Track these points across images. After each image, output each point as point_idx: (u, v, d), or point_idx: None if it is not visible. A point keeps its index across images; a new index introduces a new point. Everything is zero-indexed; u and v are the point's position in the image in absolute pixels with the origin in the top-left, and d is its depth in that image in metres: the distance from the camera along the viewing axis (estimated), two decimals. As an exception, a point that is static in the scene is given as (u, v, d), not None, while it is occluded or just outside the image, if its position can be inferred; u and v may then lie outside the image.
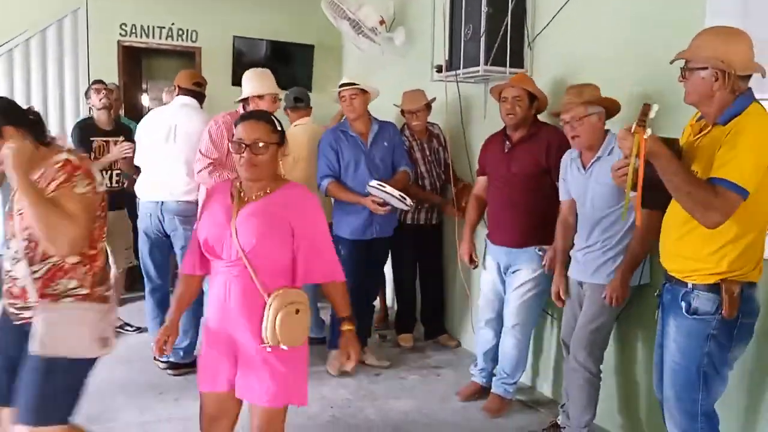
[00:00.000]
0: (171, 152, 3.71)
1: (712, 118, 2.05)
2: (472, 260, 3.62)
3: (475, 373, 3.59)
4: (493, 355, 3.48)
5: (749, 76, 2.03)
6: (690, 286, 2.10)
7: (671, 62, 2.14)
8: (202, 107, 3.94)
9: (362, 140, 3.82)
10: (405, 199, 3.56)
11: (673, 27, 2.74)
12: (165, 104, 4.38)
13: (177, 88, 3.91)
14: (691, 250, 2.09)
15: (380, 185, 3.54)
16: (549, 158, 3.18)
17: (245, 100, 3.64)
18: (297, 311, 1.99)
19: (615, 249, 2.79)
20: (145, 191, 3.84)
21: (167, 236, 3.78)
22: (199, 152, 3.55)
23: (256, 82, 3.64)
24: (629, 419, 3.09)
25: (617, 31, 3.08)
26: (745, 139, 1.91)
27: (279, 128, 2.07)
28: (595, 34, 3.22)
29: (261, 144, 1.99)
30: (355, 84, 3.76)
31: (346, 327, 2.17)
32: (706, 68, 2.02)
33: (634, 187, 2.01)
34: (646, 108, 2.00)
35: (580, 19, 3.31)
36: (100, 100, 4.33)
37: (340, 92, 3.79)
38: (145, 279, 3.93)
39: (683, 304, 2.11)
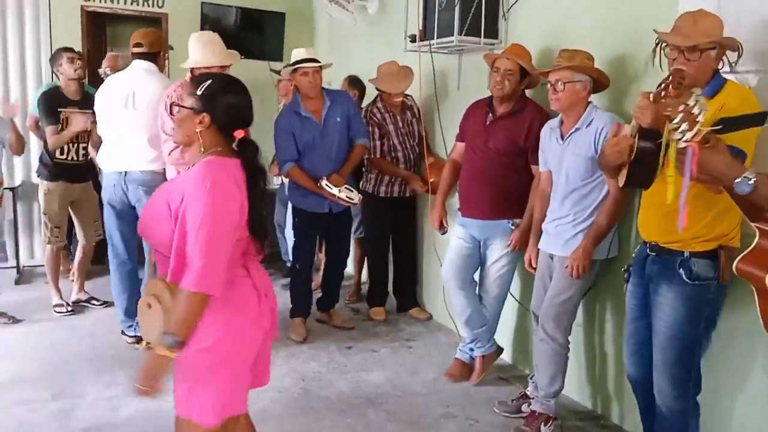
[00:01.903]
0: (130, 120, 3.57)
1: None
2: (442, 226, 3.60)
3: (464, 350, 3.53)
4: (471, 324, 3.42)
5: None
6: (687, 254, 2.15)
7: (688, 47, 2.07)
8: (162, 69, 3.74)
9: (316, 119, 3.78)
10: (351, 199, 3.78)
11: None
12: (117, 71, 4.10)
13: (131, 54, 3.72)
14: (690, 220, 2.08)
15: (327, 186, 3.72)
16: (528, 138, 3.15)
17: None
18: (148, 305, 1.77)
19: (586, 222, 2.79)
20: (107, 162, 3.71)
21: (133, 207, 3.68)
22: (163, 132, 3.41)
23: (200, 53, 3.42)
24: (597, 389, 3.14)
25: (592, 3, 3.04)
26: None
27: (202, 91, 1.79)
28: (570, 4, 3.18)
29: (177, 108, 1.85)
30: (315, 60, 3.71)
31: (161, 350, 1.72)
32: (714, 48, 2.08)
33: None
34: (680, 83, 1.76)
35: (555, -10, 3.28)
36: (75, 70, 4.16)
37: (300, 68, 3.69)
38: (111, 253, 3.83)
39: (682, 271, 2.15)
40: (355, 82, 4.75)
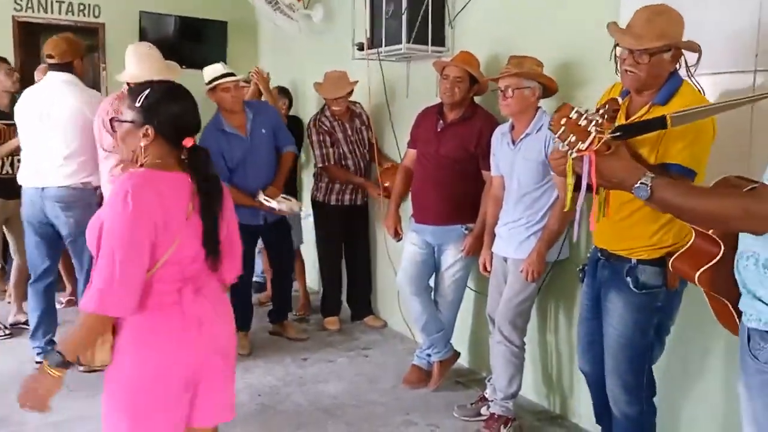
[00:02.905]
0: (47, 134, 3.41)
1: (648, 99, 2.05)
2: (396, 233, 3.61)
3: (422, 356, 3.51)
4: (428, 330, 3.41)
5: None
6: (634, 261, 2.13)
7: (638, 50, 1.97)
8: (81, 76, 3.56)
9: (241, 134, 3.73)
10: (293, 209, 3.80)
11: (593, 4, 2.79)
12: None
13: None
14: (637, 229, 2.11)
15: (267, 200, 3.68)
16: (479, 145, 3.18)
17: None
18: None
19: (538, 225, 2.84)
20: (25, 177, 3.53)
21: (51, 224, 3.50)
22: (102, 149, 3.29)
23: (135, 67, 3.32)
24: (553, 389, 3.19)
25: (536, 10, 3.12)
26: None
27: (141, 102, 1.69)
28: (515, 12, 3.25)
29: (117, 123, 1.76)
30: (232, 74, 3.68)
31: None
32: (669, 50, 1.98)
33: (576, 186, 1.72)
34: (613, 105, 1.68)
35: (500, -2, 3.34)
36: (13, 83, 3.97)
37: (221, 84, 3.63)
38: (30, 270, 3.65)
39: (629, 279, 2.13)
40: (284, 91, 4.80)
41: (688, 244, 1.74)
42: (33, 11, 5.28)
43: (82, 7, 5.44)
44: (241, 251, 1.94)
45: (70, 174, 3.41)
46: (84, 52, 3.57)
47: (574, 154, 1.54)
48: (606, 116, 1.54)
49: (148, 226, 1.61)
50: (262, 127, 3.78)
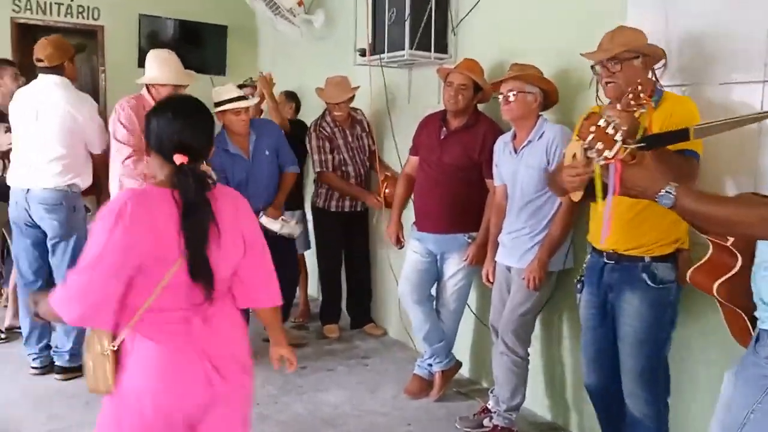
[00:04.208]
0: (34, 134, 3.39)
1: None
2: (398, 241, 3.56)
3: (423, 366, 3.46)
4: (430, 339, 3.37)
5: None
6: (647, 259, 2.21)
7: (601, 61, 2.24)
8: (72, 76, 3.55)
9: (244, 156, 3.73)
10: (293, 234, 3.85)
11: (595, 14, 2.77)
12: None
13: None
14: (646, 226, 2.19)
15: (269, 222, 3.70)
16: (482, 153, 3.16)
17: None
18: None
19: (542, 234, 2.81)
20: (13, 178, 3.50)
21: (37, 226, 3.46)
22: (115, 140, 3.33)
23: (156, 70, 3.41)
24: (557, 401, 3.15)
25: (540, 18, 3.09)
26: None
27: (147, 119, 1.71)
28: (518, 19, 3.23)
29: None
30: (245, 97, 3.69)
31: None
32: (638, 57, 2.20)
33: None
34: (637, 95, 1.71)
35: (504, 5, 3.31)
36: (19, 87, 3.93)
37: (233, 108, 3.61)
38: (18, 274, 3.62)
39: (645, 275, 2.21)
40: (290, 95, 4.79)
41: (707, 257, 1.84)
42: (32, 13, 5.24)
43: (81, 10, 5.40)
44: (265, 274, 1.83)
45: (55, 175, 3.38)
46: (73, 54, 3.53)
47: (602, 162, 1.56)
48: (642, 94, 1.56)
49: (133, 246, 1.53)
50: (265, 147, 3.77)
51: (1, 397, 3.28)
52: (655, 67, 2.32)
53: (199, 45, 5.80)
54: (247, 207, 1.82)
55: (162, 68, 3.41)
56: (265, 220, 3.69)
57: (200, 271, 1.61)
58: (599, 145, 1.53)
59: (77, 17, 5.40)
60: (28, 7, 5.22)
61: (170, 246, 1.57)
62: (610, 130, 1.53)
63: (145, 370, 1.61)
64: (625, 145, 1.53)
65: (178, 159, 1.62)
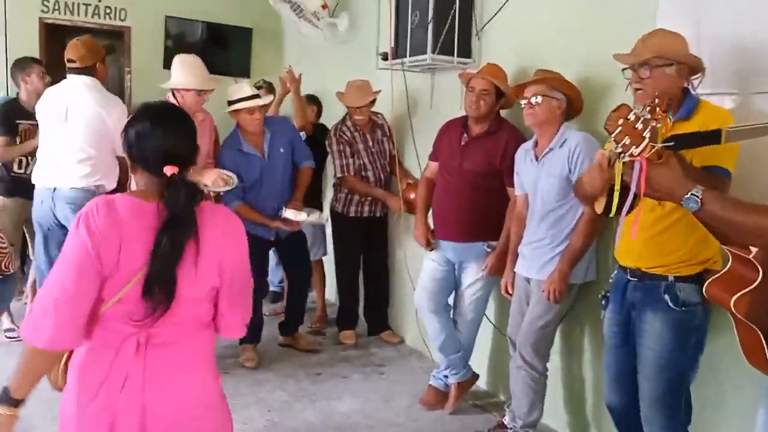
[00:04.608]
0: (63, 134, 3.40)
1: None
2: (429, 243, 3.38)
3: (439, 377, 3.39)
4: (446, 350, 3.30)
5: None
6: (671, 279, 2.09)
7: (633, 65, 2.11)
8: (103, 78, 3.56)
9: (259, 155, 3.70)
10: (320, 218, 3.84)
11: (623, 18, 2.68)
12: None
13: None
14: (673, 244, 2.08)
15: (294, 213, 3.67)
16: (504, 160, 3.07)
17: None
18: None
19: (563, 245, 2.72)
20: (39, 176, 3.51)
21: (62, 226, 3.45)
22: None
23: (181, 75, 3.42)
24: (576, 417, 3.05)
25: (566, 22, 3.01)
26: None
27: (125, 130, 1.58)
28: (544, 25, 3.14)
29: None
30: (258, 96, 3.67)
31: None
32: (671, 64, 2.04)
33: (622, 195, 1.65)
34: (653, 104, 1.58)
35: (529, 10, 3.23)
36: (45, 85, 3.96)
37: (247, 108, 3.58)
38: (37, 276, 3.63)
39: (667, 297, 2.08)
40: (312, 99, 4.77)
41: (725, 269, 1.71)
42: (60, 13, 5.30)
43: (108, 11, 5.44)
44: (241, 310, 1.65)
45: (83, 176, 3.39)
46: (104, 55, 3.56)
47: (627, 158, 1.50)
48: (658, 108, 1.49)
49: (97, 254, 1.43)
50: (279, 145, 3.75)
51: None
52: (693, 78, 2.14)
53: (224, 47, 5.81)
54: (241, 231, 1.65)
55: (187, 73, 3.43)
56: (290, 213, 3.66)
57: (159, 287, 1.46)
58: (626, 140, 1.47)
59: (104, 18, 5.45)
60: (57, 7, 5.28)
61: (134, 257, 1.46)
62: (639, 125, 1.47)
63: (87, 388, 1.51)
64: (652, 143, 1.47)
65: (169, 170, 1.51)
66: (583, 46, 2.89)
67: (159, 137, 1.53)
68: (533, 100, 2.69)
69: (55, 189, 3.41)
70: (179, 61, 3.51)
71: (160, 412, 1.52)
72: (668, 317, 2.09)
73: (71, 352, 1.58)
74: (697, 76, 2.14)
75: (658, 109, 1.48)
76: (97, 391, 1.49)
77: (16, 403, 1.49)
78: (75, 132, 3.37)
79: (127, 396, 1.50)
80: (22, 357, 1.50)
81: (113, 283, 1.46)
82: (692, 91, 2.14)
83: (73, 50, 3.45)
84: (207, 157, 3.67)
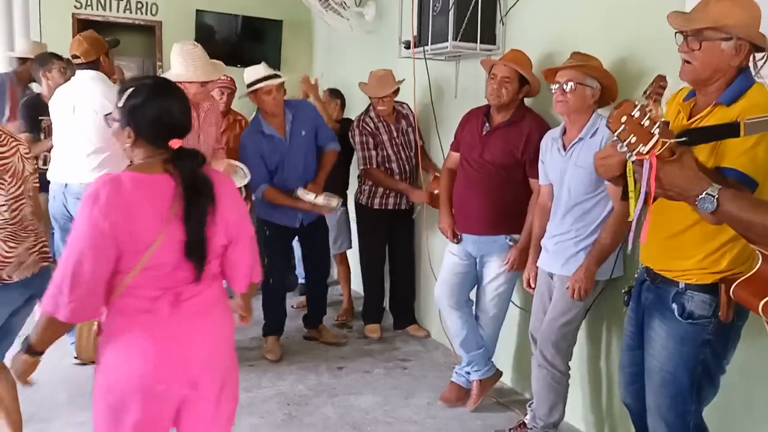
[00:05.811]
0: (72, 130, 3.42)
1: (713, 98, 1.79)
2: (455, 234, 3.26)
3: (461, 374, 3.30)
4: (467, 346, 3.21)
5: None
6: (682, 286, 1.87)
7: (684, 33, 1.78)
8: (109, 72, 3.57)
9: (281, 137, 3.65)
10: (328, 201, 3.65)
11: (653, 2, 2.53)
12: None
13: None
14: (689, 248, 1.85)
15: (305, 193, 3.62)
16: (526, 151, 2.95)
17: None
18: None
19: (589, 239, 2.60)
20: (53, 172, 3.55)
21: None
22: None
23: (182, 67, 3.30)
24: (602, 418, 2.92)
25: (594, 7, 2.86)
26: None
27: (123, 102, 1.62)
28: (570, 9, 3.00)
29: (110, 121, 1.74)
30: (277, 75, 3.60)
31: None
32: (730, 38, 1.72)
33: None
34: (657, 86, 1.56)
35: (556, -7, 3.10)
36: (66, 80, 4.02)
37: (263, 88, 3.54)
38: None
39: (674, 306, 1.88)
40: (335, 93, 4.72)
41: (754, 270, 1.57)
42: (92, 9, 5.38)
43: (140, 5, 5.50)
44: (251, 260, 1.81)
45: (93, 168, 3.39)
46: (107, 49, 3.56)
47: (634, 158, 1.39)
48: (653, 96, 1.36)
49: (110, 229, 1.51)
50: (302, 128, 3.70)
51: (41, 381, 3.33)
52: (758, 58, 1.80)
53: (255, 39, 5.82)
54: (236, 190, 1.80)
55: (187, 64, 3.31)
56: (301, 192, 3.63)
57: (196, 250, 1.61)
58: (632, 139, 1.36)
59: (136, 13, 5.52)
60: (89, 3, 5.36)
61: (148, 227, 1.55)
62: (645, 122, 1.35)
63: (128, 353, 1.60)
64: (663, 139, 1.35)
65: (176, 143, 1.60)
66: (615, 28, 2.74)
67: (162, 110, 1.61)
68: (566, 86, 2.53)
69: (66, 185, 3.45)
70: (178, 50, 3.34)
71: (197, 357, 1.66)
72: (673, 329, 1.89)
73: (99, 326, 1.68)
74: (762, 55, 1.80)
75: (662, 90, 1.36)
76: (140, 354, 1.59)
77: (39, 353, 1.64)
78: (83, 125, 3.39)
79: (165, 351, 1.61)
80: (41, 321, 1.59)
81: (129, 254, 1.54)
82: (753, 73, 1.80)
83: (76, 46, 3.47)
84: (216, 143, 3.65)
